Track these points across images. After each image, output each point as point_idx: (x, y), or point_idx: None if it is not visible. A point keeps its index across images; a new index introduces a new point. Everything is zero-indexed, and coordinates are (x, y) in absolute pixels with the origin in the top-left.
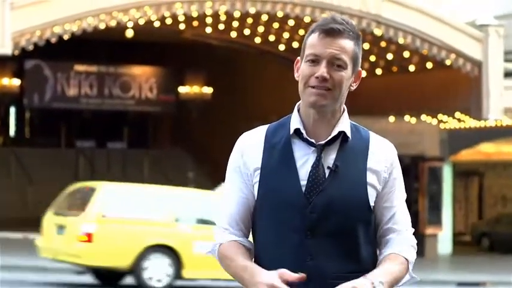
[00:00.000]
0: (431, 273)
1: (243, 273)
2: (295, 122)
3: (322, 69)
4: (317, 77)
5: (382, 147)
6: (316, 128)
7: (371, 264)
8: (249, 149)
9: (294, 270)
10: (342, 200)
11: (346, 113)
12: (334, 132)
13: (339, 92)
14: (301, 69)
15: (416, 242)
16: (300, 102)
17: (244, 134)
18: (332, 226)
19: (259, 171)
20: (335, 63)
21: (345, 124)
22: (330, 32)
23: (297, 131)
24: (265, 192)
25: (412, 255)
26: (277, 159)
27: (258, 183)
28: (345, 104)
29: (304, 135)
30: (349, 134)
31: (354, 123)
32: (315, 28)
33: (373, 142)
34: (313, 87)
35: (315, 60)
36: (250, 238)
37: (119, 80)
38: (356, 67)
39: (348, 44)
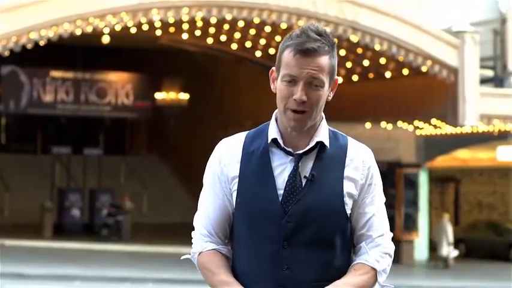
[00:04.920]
0: (407, 280)
1: None
2: (272, 132)
3: (299, 92)
4: (295, 99)
5: (359, 154)
6: (293, 138)
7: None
8: (227, 156)
9: (270, 279)
10: (318, 209)
11: (324, 121)
12: (312, 143)
13: (316, 110)
14: (279, 88)
15: (393, 247)
16: (277, 110)
17: (223, 140)
18: (308, 235)
19: (237, 180)
20: (313, 83)
21: (323, 133)
22: (306, 52)
23: (275, 140)
24: (242, 201)
25: (382, 264)
26: (254, 167)
27: (235, 192)
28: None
29: (282, 144)
30: (327, 143)
31: (332, 129)
32: (290, 46)
33: (351, 149)
34: (292, 110)
35: (291, 81)
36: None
37: (95, 86)
38: (332, 79)
39: (324, 61)
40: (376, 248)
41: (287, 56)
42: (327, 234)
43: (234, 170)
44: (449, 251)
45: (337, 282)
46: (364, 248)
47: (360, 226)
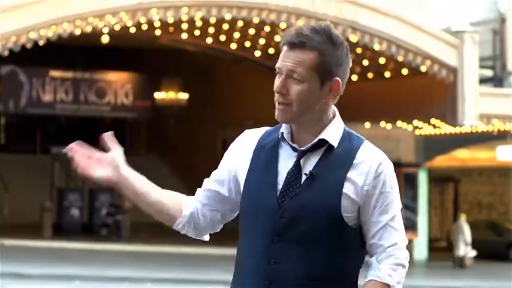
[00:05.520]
0: (406, 279)
1: None
2: (283, 127)
3: (276, 83)
4: (274, 90)
5: (370, 158)
6: (301, 135)
7: (344, 274)
8: (242, 147)
9: (257, 272)
10: (312, 207)
11: (336, 120)
12: (315, 140)
13: (299, 106)
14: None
15: (407, 257)
16: None
17: (246, 130)
18: (300, 232)
19: (246, 170)
20: (292, 76)
21: (331, 132)
22: (290, 44)
23: (283, 135)
24: (246, 193)
25: (395, 277)
26: (263, 161)
27: (243, 183)
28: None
29: (288, 140)
30: (333, 142)
31: (349, 131)
32: (282, 40)
33: (362, 152)
34: (278, 102)
35: (278, 73)
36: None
37: (94, 86)
38: (327, 78)
39: (308, 56)
40: (388, 259)
41: (282, 49)
42: (319, 233)
43: (246, 161)
44: (466, 251)
45: None
46: (374, 264)
47: (371, 235)
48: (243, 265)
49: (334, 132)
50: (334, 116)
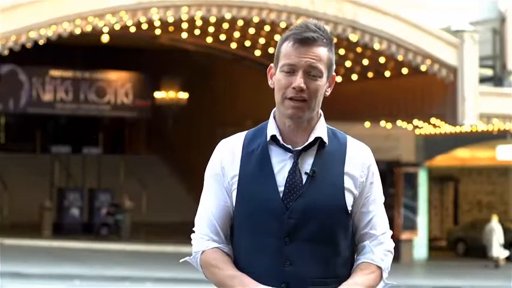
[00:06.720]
0: (406, 278)
1: (231, 282)
2: (271, 129)
3: (298, 80)
4: (294, 88)
5: (359, 152)
6: (292, 135)
7: (352, 266)
8: (227, 156)
9: (272, 275)
10: (319, 205)
11: (322, 118)
12: (311, 139)
13: (315, 101)
14: (277, 79)
15: (393, 245)
16: (275, 108)
17: (223, 140)
18: (310, 231)
19: (237, 178)
20: (311, 73)
21: (321, 130)
22: (305, 41)
23: (274, 138)
24: (243, 199)
25: (386, 262)
26: (254, 165)
27: (236, 190)
28: (321, 109)
29: (281, 141)
30: (325, 139)
31: (331, 127)
32: (289, 36)
33: (350, 147)
34: (290, 98)
35: (290, 71)
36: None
37: (94, 85)
38: (330, 73)
39: (322, 51)
40: (380, 246)
41: (286, 46)
42: (329, 230)
43: (235, 168)
44: (500, 251)
45: (347, 282)
46: (368, 247)
47: (363, 225)
48: (252, 269)
49: (323, 129)
50: (320, 114)
